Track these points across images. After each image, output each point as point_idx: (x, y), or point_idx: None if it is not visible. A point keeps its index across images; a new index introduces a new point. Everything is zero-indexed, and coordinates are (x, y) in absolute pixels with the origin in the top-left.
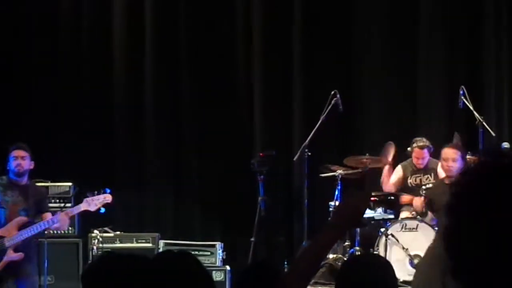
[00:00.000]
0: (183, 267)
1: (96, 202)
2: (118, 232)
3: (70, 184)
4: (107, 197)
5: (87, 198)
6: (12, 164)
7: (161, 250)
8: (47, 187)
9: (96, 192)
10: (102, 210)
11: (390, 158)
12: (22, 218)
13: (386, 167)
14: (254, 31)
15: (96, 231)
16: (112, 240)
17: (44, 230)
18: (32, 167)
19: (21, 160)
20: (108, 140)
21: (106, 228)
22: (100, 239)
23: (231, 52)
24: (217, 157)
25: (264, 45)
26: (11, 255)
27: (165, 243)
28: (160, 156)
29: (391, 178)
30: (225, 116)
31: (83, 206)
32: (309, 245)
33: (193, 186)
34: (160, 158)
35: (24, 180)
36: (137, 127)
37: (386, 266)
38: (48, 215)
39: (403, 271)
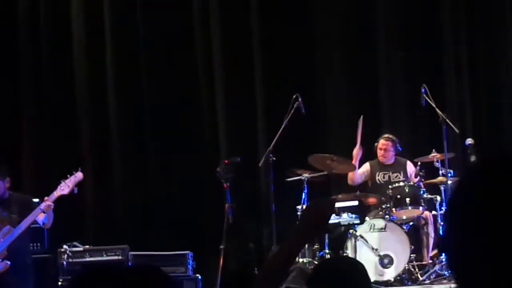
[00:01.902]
0: (151, 282)
1: (68, 183)
2: (87, 246)
3: (37, 200)
4: (78, 175)
5: (60, 184)
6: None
7: (130, 262)
8: None
9: (68, 176)
10: (75, 190)
11: (359, 134)
12: (4, 228)
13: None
14: (213, 37)
15: (65, 246)
16: (81, 254)
17: (29, 225)
18: (8, 184)
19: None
20: (73, 146)
21: (75, 243)
22: (70, 254)
23: (192, 57)
24: (182, 166)
25: (224, 51)
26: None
27: (134, 254)
28: (125, 165)
29: (359, 170)
30: (188, 124)
31: (57, 192)
32: (277, 251)
33: (160, 195)
34: (125, 167)
35: (5, 196)
36: (101, 132)
37: (359, 268)
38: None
39: (373, 272)
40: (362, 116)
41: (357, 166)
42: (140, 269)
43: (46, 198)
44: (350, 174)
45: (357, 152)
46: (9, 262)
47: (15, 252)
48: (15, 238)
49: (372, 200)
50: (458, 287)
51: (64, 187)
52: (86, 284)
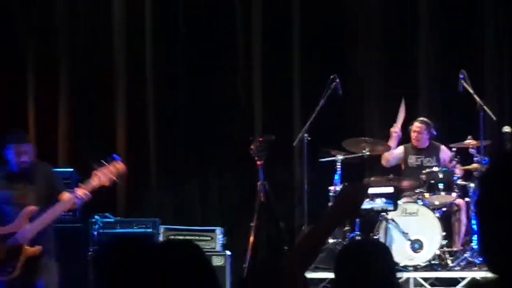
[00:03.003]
0: (186, 256)
1: (108, 174)
2: (118, 218)
3: (71, 170)
4: (119, 166)
5: (96, 172)
6: (14, 160)
7: (161, 235)
8: None
9: (102, 162)
10: (116, 180)
11: (401, 115)
12: (30, 208)
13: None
14: (253, 15)
15: (96, 217)
16: (112, 225)
17: (60, 213)
18: (34, 152)
19: (24, 155)
20: (110, 125)
21: (106, 214)
22: (101, 224)
23: (231, 36)
24: (216, 142)
25: (263, 29)
26: (29, 251)
27: (165, 228)
28: (160, 141)
29: (393, 152)
30: (224, 101)
31: (94, 181)
32: (308, 231)
33: (193, 171)
34: (160, 143)
35: (28, 165)
36: (138, 114)
37: (384, 251)
38: (66, 195)
39: (404, 256)
40: (403, 98)
41: (393, 146)
42: (168, 245)
43: (81, 185)
44: (385, 154)
45: (395, 130)
46: (40, 248)
47: (39, 236)
48: (46, 225)
49: (405, 184)
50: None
51: (103, 177)
52: (113, 255)
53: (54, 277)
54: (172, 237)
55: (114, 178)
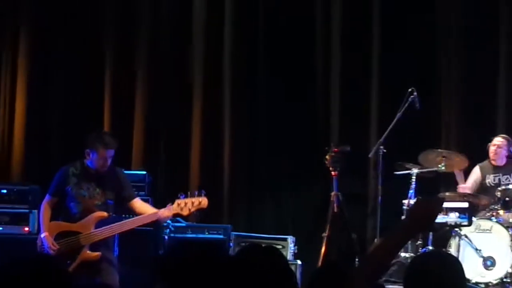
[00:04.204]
0: (269, 261)
1: (189, 206)
2: (190, 223)
3: (144, 172)
4: (203, 202)
5: (179, 200)
6: (96, 163)
7: (232, 242)
8: None
9: (189, 193)
10: (196, 215)
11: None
12: (101, 214)
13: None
14: (332, 24)
15: (168, 221)
16: (183, 230)
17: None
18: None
19: (107, 161)
20: (185, 130)
21: (178, 218)
22: (172, 229)
23: (309, 46)
24: (291, 151)
25: (342, 41)
26: (87, 255)
27: (237, 235)
28: (234, 149)
29: (468, 181)
30: (300, 110)
31: (174, 209)
32: (380, 243)
33: (266, 179)
34: (234, 151)
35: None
36: (213, 118)
37: (455, 263)
38: (147, 209)
39: (476, 273)
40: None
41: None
42: (260, 248)
43: (170, 206)
44: (460, 191)
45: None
46: (100, 254)
47: (101, 243)
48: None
49: (481, 201)
50: None
51: (184, 208)
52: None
53: (114, 282)
54: (243, 244)
55: (194, 212)
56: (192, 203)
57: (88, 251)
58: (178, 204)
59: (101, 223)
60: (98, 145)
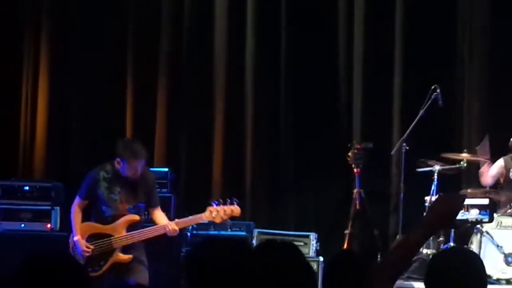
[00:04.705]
0: (287, 257)
1: (222, 214)
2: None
3: (166, 169)
4: (235, 210)
5: (211, 207)
6: (127, 171)
7: (255, 238)
8: None
9: (221, 200)
10: (229, 222)
11: (487, 155)
12: (133, 217)
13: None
14: (355, 28)
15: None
16: (206, 227)
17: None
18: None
19: (136, 171)
20: (206, 126)
21: None
22: (195, 226)
23: (332, 42)
24: (314, 148)
25: (365, 38)
26: (119, 257)
27: (260, 232)
28: (256, 145)
29: (491, 170)
30: (323, 107)
31: (206, 216)
32: (401, 240)
33: (288, 175)
34: (256, 148)
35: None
36: (235, 115)
37: (476, 259)
38: (160, 219)
39: (497, 269)
40: (487, 135)
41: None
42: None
43: (177, 220)
44: (482, 178)
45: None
46: (132, 257)
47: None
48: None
49: (503, 197)
50: None
51: (216, 215)
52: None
53: (144, 279)
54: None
55: (227, 219)
56: (225, 211)
57: (120, 254)
58: (211, 212)
59: (133, 226)
60: (128, 155)
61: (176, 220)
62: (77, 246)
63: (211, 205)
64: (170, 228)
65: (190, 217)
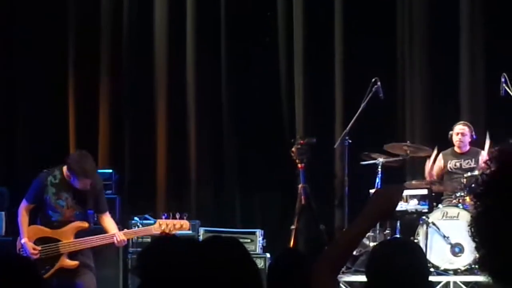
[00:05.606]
0: (232, 254)
1: (171, 227)
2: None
3: (111, 171)
4: (185, 225)
5: (161, 220)
6: (76, 185)
7: (201, 237)
8: None
9: (171, 214)
10: (175, 234)
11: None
12: (81, 224)
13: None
14: (295, 18)
15: (136, 218)
16: None
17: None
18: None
19: (84, 186)
20: (150, 125)
21: (146, 215)
22: (141, 226)
23: (272, 36)
24: (257, 144)
25: (304, 34)
26: (66, 263)
27: (206, 230)
28: (199, 144)
29: (434, 169)
30: (266, 103)
31: (155, 229)
32: (341, 233)
33: (233, 172)
34: (200, 145)
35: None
36: (178, 113)
37: (415, 249)
38: (110, 228)
39: (444, 260)
40: (436, 147)
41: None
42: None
43: (127, 231)
44: (426, 173)
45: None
46: (78, 263)
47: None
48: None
49: (446, 187)
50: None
51: (165, 228)
52: (154, 257)
53: (91, 284)
54: None
55: (174, 233)
56: (174, 225)
57: (66, 259)
58: (160, 224)
59: (81, 232)
60: (78, 172)
61: (125, 230)
62: (25, 248)
63: (161, 218)
64: (119, 238)
65: (139, 228)
